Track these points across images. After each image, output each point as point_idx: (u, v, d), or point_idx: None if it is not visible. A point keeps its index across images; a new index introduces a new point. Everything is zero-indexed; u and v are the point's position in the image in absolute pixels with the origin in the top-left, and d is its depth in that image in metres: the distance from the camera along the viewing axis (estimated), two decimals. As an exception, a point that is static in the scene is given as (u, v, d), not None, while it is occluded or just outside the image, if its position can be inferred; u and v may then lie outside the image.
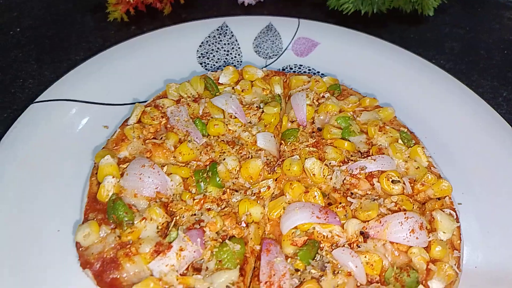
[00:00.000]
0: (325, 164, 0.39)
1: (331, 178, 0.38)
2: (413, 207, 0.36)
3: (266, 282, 0.30)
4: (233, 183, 0.38)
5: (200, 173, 0.37)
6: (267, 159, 0.40)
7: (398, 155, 0.40)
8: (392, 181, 0.38)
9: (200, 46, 0.54)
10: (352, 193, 0.37)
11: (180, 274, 0.30)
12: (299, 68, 0.54)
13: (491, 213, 0.40)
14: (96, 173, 0.37)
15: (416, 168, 0.39)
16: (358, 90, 0.49)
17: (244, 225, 0.34)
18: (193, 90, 0.45)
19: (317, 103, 0.44)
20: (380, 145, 0.41)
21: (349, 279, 0.31)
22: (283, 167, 0.38)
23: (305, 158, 0.39)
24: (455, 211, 0.37)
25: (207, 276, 0.31)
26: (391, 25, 0.65)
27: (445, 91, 0.51)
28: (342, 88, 0.47)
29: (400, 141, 0.41)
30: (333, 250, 0.33)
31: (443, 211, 0.36)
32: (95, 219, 0.34)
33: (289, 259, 0.32)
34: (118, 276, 0.31)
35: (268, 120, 0.42)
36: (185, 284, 0.30)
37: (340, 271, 0.31)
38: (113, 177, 0.35)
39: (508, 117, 0.51)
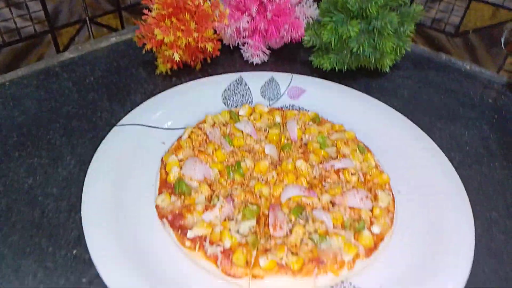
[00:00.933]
0: (309, 164, 0.60)
1: (312, 172, 0.59)
2: (364, 189, 0.57)
3: (272, 224, 0.50)
4: (250, 174, 0.59)
5: (230, 168, 0.58)
6: (271, 161, 0.61)
7: (355, 159, 0.60)
8: (351, 174, 0.58)
9: (224, 91, 0.76)
10: (325, 181, 0.58)
11: (221, 221, 0.51)
12: (292, 107, 0.77)
13: (418, 198, 0.60)
14: (164, 167, 0.58)
15: (367, 167, 0.60)
16: (332, 120, 0.70)
17: (258, 196, 0.55)
18: (222, 118, 0.67)
19: (304, 128, 0.66)
20: (345, 153, 0.62)
21: (322, 225, 0.51)
22: (282, 165, 0.59)
23: (296, 160, 0.60)
24: (391, 191, 0.57)
25: (236, 223, 0.50)
26: (358, 78, 0.87)
27: (393, 122, 0.70)
28: (320, 119, 0.69)
29: (357, 151, 0.63)
30: (312, 211, 0.53)
31: (383, 191, 0.57)
32: (166, 192, 0.54)
33: (285, 214, 0.53)
34: (183, 223, 0.50)
35: (271, 138, 0.64)
36: (224, 225, 0.49)
37: (317, 221, 0.51)
38: (177, 168, 0.57)
39: (439, 141, 0.72)
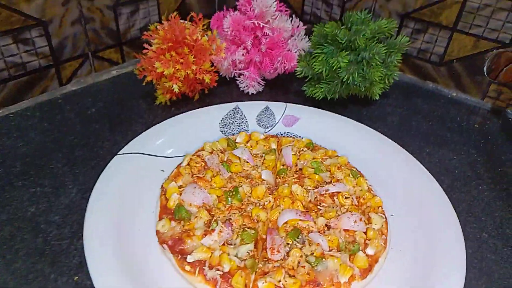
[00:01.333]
0: (304, 188, 0.62)
1: (308, 196, 0.61)
2: (358, 212, 0.59)
3: (270, 248, 0.52)
4: (247, 199, 0.61)
5: (228, 193, 0.60)
6: (268, 186, 0.63)
7: (349, 183, 0.63)
8: (345, 197, 0.61)
9: (221, 120, 0.79)
10: (320, 205, 0.60)
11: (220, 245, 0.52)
12: (287, 134, 0.80)
13: (410, 220, 0.62)
14: (164, 194, 0.60)
15: (360, 190, 0.62)
16: (325, 147, 0.73)
17: (256, 221, 0.57)
18: (220, 146, 0.69)
19: (298, 154, 0.69)
20: (338, 177, 0.65)
21: (318, 247, 0.52)
22: (279, 190, 0.62)
23: (292, 185, 0.62)
24: (384, 213, 0.60)
25: (235, 247, 0.52)
26: (349, 106, 0.91)
27: (384, 148, 0.73)
28: (314, 145, 0.72)
29: (350, 175, 0.65)
30: (309, 234, 0.55)
31: (376, 214, 0.59)
32: (167, 218, 0.56)
33: (283, 238, 0.54)
34: (183, 248, 0.52)
35: (268, 164, 0.66)
36: (223, 250, 0.50)
37: (313, 244, 0.53)
38: (177, 194, 0.58)
39: (429, 165, 0.74)
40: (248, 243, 0.52)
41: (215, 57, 0.84)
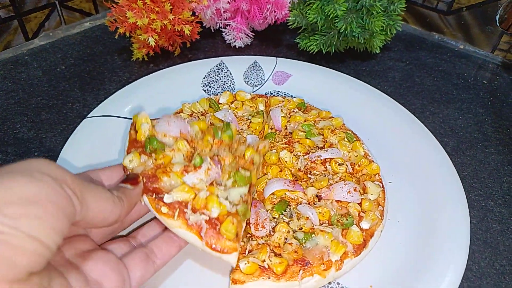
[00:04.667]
0: (293, 155, 0.56)
1: (297, 163, 0.55)
2: (352, 180, 0.53)
3: (254, 223, 0.46)
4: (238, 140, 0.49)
5: (218, 128, 0.48)
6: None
7: (343, 148, 0.57)
8: (339, 164, 0.55)
9: (204, 78, 0.71)
10: (311, 173, 0.54)
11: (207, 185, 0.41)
12: (277, 93, 0.72)
13: (410, 188, 0.57)
14: (134, 127, 0.46)
15: (356, 156, 0.56)
16: (318, 107, 0.67)
17: (251, 162, 0.46)
18: (201, 107, 0.62)
19: (288, 115, 0.62)
20: (332, 142, 0.58)
21: (307, 221, 0.47)
22: (265, 157, 0.56)
23: (280, 151, 0.56)
24: (381, 181, 0.54)
25: (225, 189, 0.41)
26: (347, 61, 0.83)
27: (384, 108, 0.67)
28: (306, 105, 0.65)
29: (345, 139, 0.59)
30: (297, 206, 0.49)
31: (372, 182, 0.53)
32: (136, 151, 0.43)
33: (268, 211, 0.49)
34: (158, 186, 0.40)
35: (254, 127, 0.59)
36: (211, 191, 0.40)
37: (301, 217, 0.48)
38: (147, 124, 0.45)
39: (432, 126, 0.69)
40: (241, 186, 0.42)
41: (196, 6, 0.75)
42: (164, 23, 0.69)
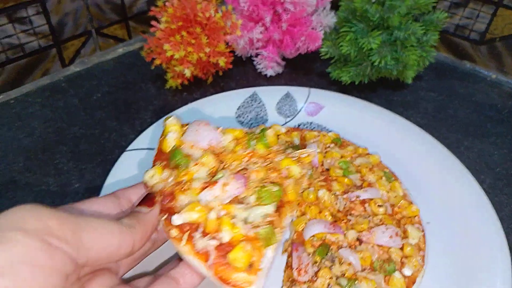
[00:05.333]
0: (332, 194, 0.56)
1: (336, 203, 0.55)
2: (392, 223, 0.53)
3: (297, 269, 0.47)
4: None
5: (251, 135, 0.44)
6: (292, 191, 0.57)
7: (382, 188, 0.56)
8: (378, 206, 0.55)
9: (238, 109, 0.73)
10: (350, 214, 0.54)
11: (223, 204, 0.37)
12: (310, 124, 0.73)
13: (448, 229, 0.56)
14: (163, 134, 0.44)
15: (395, 197, 0.56)
16: (352, 140, 0.65)
17: (286, 176, 0.41)
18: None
19: (325, 151, 0.62)
20: (370, 181, 0.58)
21: (349, 267, 0.47)
22: (303, 196, 0.56)
23: (318, 190, 0.56)
24: (421, 225, 0.54)
25: (246, 207, 0.37)
26: (379, 90, 0.83)
27: (418, 142, 0.66)
28: (342, 140, 0.65)
29: (384, 178, 0.58)
30: (339, 250, 0.49)
31: (413, 225, 0.53)
32: (159, 165, 0.41)
33: (310, 255, 0.49)
34: (173, 205, 0.37)
35: (291, 164, 0.60)
36: (227, 209, 0.36)
37: (343, 262, 0.48)
38: (175, 132, 0.43)
39: (467, 162, 0.68)
40: (267, 204, 0.37)
41: (230, 36, 0.76)
42: (200, 56, 0.71)
